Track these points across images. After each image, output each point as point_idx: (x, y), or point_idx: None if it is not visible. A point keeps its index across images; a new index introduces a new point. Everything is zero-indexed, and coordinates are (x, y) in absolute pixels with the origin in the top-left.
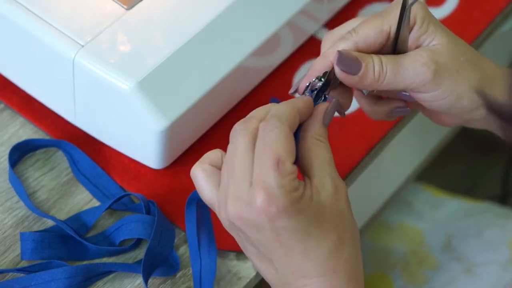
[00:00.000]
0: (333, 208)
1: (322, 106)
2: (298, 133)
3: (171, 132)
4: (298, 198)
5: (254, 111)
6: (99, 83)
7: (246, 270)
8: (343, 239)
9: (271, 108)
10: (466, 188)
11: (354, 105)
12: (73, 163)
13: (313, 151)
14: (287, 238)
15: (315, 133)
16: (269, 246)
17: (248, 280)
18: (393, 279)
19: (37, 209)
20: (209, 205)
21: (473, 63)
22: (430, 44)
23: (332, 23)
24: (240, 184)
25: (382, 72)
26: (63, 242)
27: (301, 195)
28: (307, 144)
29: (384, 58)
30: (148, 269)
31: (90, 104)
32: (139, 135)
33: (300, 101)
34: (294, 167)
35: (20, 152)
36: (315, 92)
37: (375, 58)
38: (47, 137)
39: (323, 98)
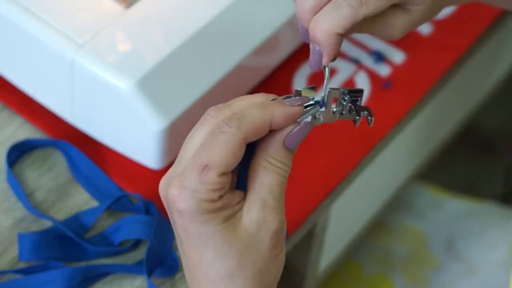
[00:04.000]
0: (246, 238)
1: (288, 127)
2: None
3: (170, 131)
4: (207, 210)
5: (237, 98)
6: (97, 82)
7: None
8: (242, 271)
9: (249, 104)
10: (467, 188)
11: None
12: (71, 163)
13: (258, 173)
14: (189, 238)
15: (268, 154)
16: (177, 236)
17: None
18: (394, 279)
19: (36, 210)
20: None
21: None
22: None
23: None
24: (175, 166)
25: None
26: (61, 243)
27: (213, 209)
28: (255, 164)
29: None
30: (149, 269)
31: (89, 104)
32: (138, 135)
33: (280, 108)
34: (221, 179)
35: (18, 152)
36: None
37: None
38: (46, 137)
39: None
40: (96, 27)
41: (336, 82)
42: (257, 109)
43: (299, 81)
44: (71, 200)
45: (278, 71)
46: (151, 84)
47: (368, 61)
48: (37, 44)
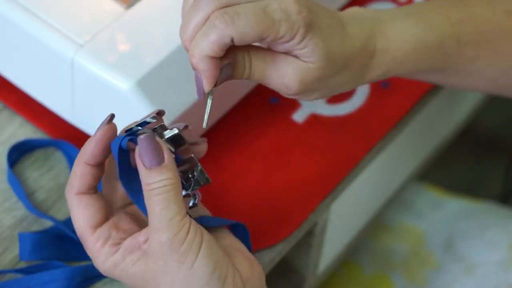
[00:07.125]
0: (155, 267)
1: (136, 151)
2: None
3: None
4: (113, 265)
5: None
6: (97, 82)
7: None
8: None
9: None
10: (467, 188)
11: (355, 105)
12: (72, 163)
13: (148, 207)
14: None
15: (143, 184)
16: None
17: None
18: (394, 279)
19: (36, 210)
20: None
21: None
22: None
23: None
24: None
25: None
26: (62, 243)
27: (116, 261)
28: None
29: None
30: None
31: (89, 104)
32: None
33: (86, 146)
34: (97, 235)
35: (19, 152)
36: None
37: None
38: (46, 137)
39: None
40: (96, 27)
41: None
42: (75, 166)
43: None
44: None
45: None
46: (151, 84)
47: None
48: (37, 44)
